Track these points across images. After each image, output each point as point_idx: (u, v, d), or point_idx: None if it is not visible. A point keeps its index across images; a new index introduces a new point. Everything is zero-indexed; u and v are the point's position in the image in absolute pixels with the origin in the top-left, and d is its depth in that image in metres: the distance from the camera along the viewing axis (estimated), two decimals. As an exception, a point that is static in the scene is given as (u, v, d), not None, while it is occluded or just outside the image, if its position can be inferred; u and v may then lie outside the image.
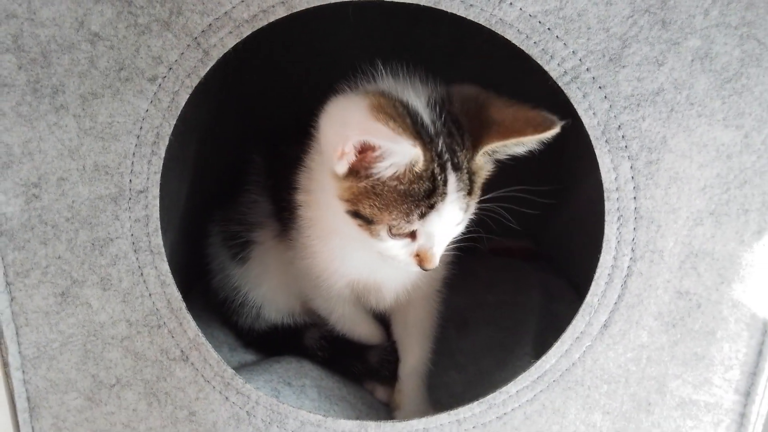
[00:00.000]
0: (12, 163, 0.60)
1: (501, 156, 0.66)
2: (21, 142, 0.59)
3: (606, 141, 0.58)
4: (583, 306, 0.64)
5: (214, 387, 0.68)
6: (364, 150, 0.59)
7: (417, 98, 0.64)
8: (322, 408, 0.72)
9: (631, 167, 0.59)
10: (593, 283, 0.63)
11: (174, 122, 0.60)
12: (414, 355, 0.82)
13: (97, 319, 0.65)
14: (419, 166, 0.60)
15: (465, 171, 0.63)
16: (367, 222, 0.63)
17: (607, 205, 0.60)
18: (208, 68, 0.58)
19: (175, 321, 0.66)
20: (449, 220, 0.63)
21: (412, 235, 0.64)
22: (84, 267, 0.64)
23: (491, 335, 0.94)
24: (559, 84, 0.57)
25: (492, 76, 1.04)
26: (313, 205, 0.73)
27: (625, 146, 0.58)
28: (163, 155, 0.61)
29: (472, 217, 0.68)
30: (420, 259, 0.64)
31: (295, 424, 0.69)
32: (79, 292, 0.64)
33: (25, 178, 0.60)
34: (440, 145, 0.61)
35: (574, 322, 0.65)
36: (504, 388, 0.67)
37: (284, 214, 0.78)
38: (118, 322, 0.66)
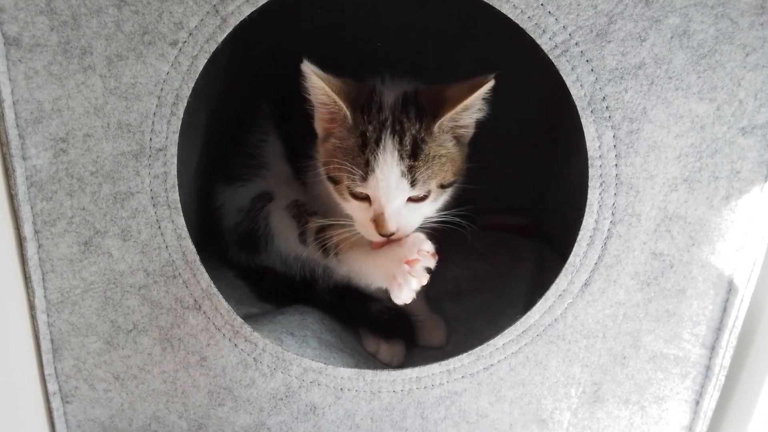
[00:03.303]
0: (42, 119, 0.64)
1: (461, 128, 0.75)
2: (51, 99, 0.64)
3: (591, 111, 0.63)
4: (566, 266, 0.69)
5: (224, 335, 0.73)
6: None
7: (392, 88, 0.77)
8: (322, 356, 0.77)
9: (614, 136, 0.64)
10: (576, 245, 0.68)
11: (192, 85, 0.65)
12: None
13: (117, 268, 0.70)
14: (348, 121, 0.73)
15: (408, 137, 0.72)
16: (335, 183, 0.76)
17: (591, 172, 0.65)
18: (225, 34, 0.63)
19: (189, 272, 0.71)
20: (389, 180, 0.71)
21: (369, 200, 0.74)
22: (106, 218, 0.68)
23: (483, 300, 0.99)
24: (550, 57, 0.62)
25: (492, 55, 1.10)
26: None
27: (609, 116, 0.63)
28: (181, 116, 0.66)
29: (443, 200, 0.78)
30: (377, 224, 0.73)
31: (298, 370, 0.74)
32: (101, 242, 0.69)
33: (54, 133, 0.65)
34: (385, 114, 0.73)
35: (558, 280, 0.70)
36: (491, 341, 0.73)
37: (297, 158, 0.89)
38: (137, 271, 0.71)
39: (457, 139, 0.76)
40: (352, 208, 0.76)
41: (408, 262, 0.72)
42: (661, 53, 0.61)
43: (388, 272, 0.73)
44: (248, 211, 0.92)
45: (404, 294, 0.72)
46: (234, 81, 1.02)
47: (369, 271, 0.78)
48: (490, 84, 0.70)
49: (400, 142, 0.71)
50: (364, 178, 0.72)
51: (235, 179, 0.95)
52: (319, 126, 0.77)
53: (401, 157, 0.71)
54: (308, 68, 0.70)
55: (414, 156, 0.71)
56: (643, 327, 0.71)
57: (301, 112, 0.91)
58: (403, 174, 0.71)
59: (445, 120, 0.72)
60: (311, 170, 0.87)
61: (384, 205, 0.72)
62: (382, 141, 0.71)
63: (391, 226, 0.73)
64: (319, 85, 0.71)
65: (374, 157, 0.71)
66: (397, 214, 0.73)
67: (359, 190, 0.73)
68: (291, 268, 0.89)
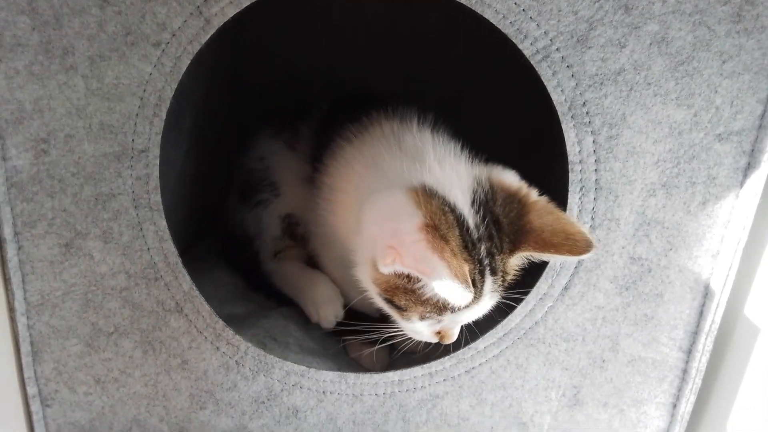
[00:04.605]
0: (23, 119, 0.64)
1: (534, 259, 0.67)
2: (32, 99, 0.63)
3: (572, 116, 0.64)
4: (547, 269, 0.70)
5: (206, 337, 0.73)
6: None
7: (462, 194, 0.65)
8: (305, 361, 0.77)
9: (594, 141, 0.65)
10: (557, 248, 0.69)
11: (175, 86, 0.64)
12: None
13: (98, 270, 0.70)
14: None
15: (500, 274, 0.64)
16: (399, 309, 0.67)
17: (571, 176, 0.66)
18: (209, 36, 0.62)
19: (171, 274, 0.71)
20: (479, 313, 0.67)
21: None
22: (87, 220, 0.68)
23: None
24: (532, 62, 0.62)
25: (478, 57, 1.10)
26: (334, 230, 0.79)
27: (589, 122, 0.64)
28: (164, 117, 0.65)
29: None
30: (441, 335, 0.69)
31: (280, 373, 0.74)
32: (82, 243, 0.69)
33: (35, 134, 0.64)
34: (481, 251, 0.62)
35: (538, 284, 0.71)
36: (472, 344, 0.73)
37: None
38: (118, 273, 0.70)
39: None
40: (414, 327, 0.68)
41: None
42: (641, 60, 0.61)
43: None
44: (261, 159, 0.93)
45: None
46: (221, 82, 1.01)
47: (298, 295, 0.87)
48: (590, 255, 0.62)
49: (496, 282, 0.64)
50: (455, 311, 0.65)
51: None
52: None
53: (496, 295, 0.66)
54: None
55: (502, 286, 0.66)
56: (621, 331, 0.72)
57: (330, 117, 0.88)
58: (491, 305, 0.67)
59: (527, 255, 0.65)
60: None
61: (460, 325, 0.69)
62: (486, 285, 0.63)
63: (456, 334, 0.70)
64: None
65: (477, 301, 0.64)
66: None
67: (443, 319, 0.66)
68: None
